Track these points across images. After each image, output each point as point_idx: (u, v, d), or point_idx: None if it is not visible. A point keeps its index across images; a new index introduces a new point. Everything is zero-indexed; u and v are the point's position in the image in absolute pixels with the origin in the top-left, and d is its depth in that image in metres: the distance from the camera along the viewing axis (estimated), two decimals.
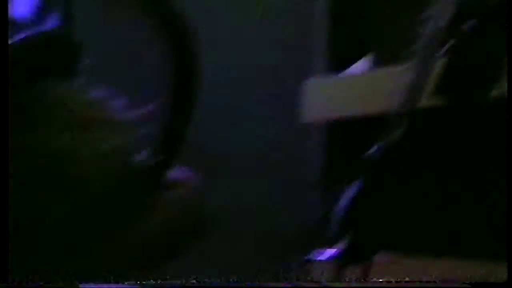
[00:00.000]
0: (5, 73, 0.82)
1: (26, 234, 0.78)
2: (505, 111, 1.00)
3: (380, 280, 0.94)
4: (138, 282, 0.81)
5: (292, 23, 1.45)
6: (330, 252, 0.94)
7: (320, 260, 1.05)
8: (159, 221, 0.85)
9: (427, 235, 1.21)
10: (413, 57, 0.87)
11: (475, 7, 0.87)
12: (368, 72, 1.21)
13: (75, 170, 0.78)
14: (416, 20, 0.86)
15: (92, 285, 0.77)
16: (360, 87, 1.20)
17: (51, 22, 1.17)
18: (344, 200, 0.92)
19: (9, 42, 0.79)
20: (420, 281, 0.86)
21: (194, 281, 0.85)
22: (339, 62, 1.24)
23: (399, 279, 0.85)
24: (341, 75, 1.23)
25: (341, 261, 0.84)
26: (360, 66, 1.21)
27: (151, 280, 0.81)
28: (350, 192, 0.91)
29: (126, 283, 0.79)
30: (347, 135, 1.20)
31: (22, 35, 0.78)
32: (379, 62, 1.19)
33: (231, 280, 0.91)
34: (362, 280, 0.93)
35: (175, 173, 0.89)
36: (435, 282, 0.88)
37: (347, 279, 0.95)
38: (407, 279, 0.84)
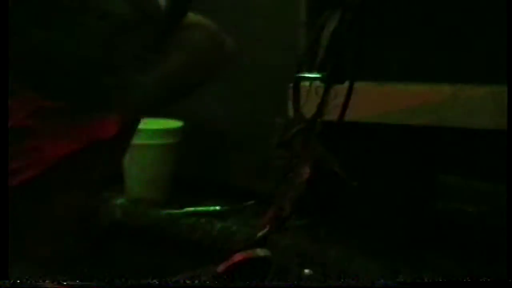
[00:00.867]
0: (5, 73, 0.93)
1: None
2: None
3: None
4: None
5: None
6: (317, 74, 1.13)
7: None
8: (180, 56, 1.09)
9: (402, 63, 1.37)
10: None
11: None
12: None
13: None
14: None
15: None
16: None
17: None
18: (327, 32, 1.10)
19: None
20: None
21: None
22: None
23: None
24: None
25: (327, 81, 1.03)
26: None
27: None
28: (331, 25, 1.08)
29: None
30: None
31: None
32: None
33: None
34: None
35: (191, 17, 1.11)
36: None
37: None
38: None
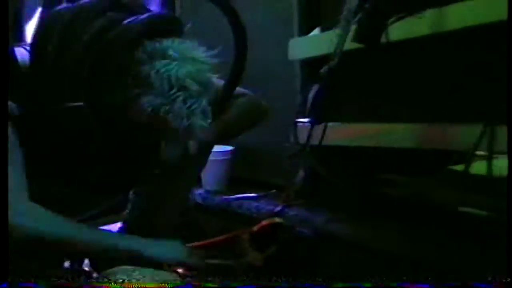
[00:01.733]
0: (5, 73, 0.99)
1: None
2: None
3: None
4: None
5: None
6: None
7: None
8: (234, 112, 1.36)
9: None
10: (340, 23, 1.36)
11: None
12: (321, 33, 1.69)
13: None
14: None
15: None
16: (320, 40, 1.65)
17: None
18: (310, 96, 1.46)
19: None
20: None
21: None
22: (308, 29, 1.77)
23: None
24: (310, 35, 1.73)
25: (311, 123, 1.46)
26: (316, 31, 1.71)
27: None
28: (312, 92, 1.44)
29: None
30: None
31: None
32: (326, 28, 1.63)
33: None
34: None
35: (239, 90, 1.38)
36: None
37: None
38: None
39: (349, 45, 1.38)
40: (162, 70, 1.09)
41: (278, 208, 1.69)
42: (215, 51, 1.16)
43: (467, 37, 1.26)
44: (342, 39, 1.38)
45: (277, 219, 1.48)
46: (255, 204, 1.89)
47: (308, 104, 1.54)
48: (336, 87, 1.46)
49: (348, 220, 1.59)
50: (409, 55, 1.40)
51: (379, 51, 1.35)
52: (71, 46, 1.10)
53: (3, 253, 0.90)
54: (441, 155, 1.61)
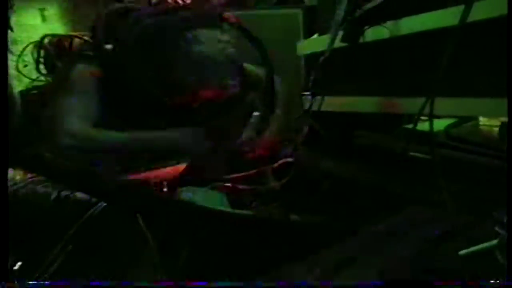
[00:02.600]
0: (5, 73, 1.02)
1: None
2: None
3: None
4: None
5: None
6: None
7: None
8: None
9: None
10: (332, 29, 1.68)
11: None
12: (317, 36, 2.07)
13: None
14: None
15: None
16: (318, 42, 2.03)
17: None
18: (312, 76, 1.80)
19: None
20: None
21: None
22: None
23: None
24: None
25: (312, 95, 1.80)
26: (315, 35, 2.11)
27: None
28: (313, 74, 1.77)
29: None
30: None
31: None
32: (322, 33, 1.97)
33: None
34: None
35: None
36: None
37: None
38: None
39: (338, 44, 1.74)
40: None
41: (291, 152, 1.97)
42: None
43: (417, 40, 1.56)
44: (333, 40, 1.75)
45: (289, 159, 1.88)
46: None
47: (310, 83, 1.89)
48: (328, 72, 1.80)
49: (335, 159, 1.99)
50: (376, 52, 1.73)
51: (358, 48, 1.72)
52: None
53: (3, 253, 0.87)
54: (396, 117, 1.94)
